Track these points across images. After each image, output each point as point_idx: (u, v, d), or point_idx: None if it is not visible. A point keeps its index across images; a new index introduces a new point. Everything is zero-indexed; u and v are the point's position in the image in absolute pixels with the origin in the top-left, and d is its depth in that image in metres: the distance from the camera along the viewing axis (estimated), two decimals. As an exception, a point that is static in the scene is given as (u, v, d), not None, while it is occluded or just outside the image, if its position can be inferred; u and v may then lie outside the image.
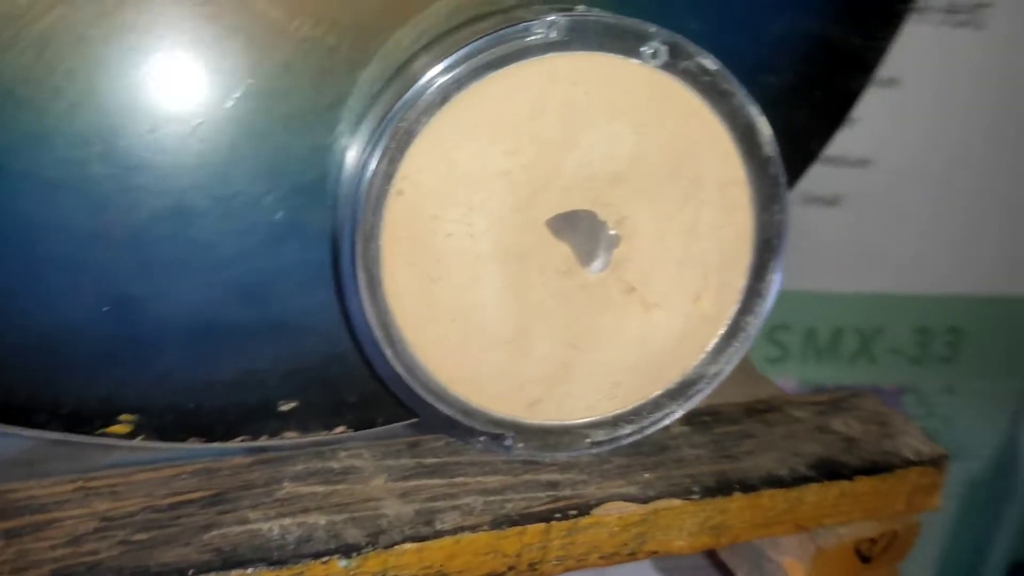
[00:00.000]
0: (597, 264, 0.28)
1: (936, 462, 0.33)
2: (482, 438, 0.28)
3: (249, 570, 0.23)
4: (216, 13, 0.25)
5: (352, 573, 0.24)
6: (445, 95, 0.25)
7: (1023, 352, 0.62)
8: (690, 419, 0.32)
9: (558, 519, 0.27)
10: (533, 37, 0.25)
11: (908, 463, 0.32)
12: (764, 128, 0.27)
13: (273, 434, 0.30)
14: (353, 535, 0.25)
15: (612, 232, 0.28)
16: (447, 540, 0.26)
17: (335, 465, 0.28)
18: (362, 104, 0.27)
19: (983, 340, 0.60)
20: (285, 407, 0.30)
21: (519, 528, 0.26)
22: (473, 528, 0.26)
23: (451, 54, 0.25)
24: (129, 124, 0.26)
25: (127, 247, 0.27)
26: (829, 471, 0.31)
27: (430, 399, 0.28)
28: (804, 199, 0.56)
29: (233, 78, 0.26)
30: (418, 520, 0.26)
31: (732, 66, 0.32)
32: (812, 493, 0.31)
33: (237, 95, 0.26)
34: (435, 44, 0.26)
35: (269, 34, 0.26)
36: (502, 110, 0.26)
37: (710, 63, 0.26)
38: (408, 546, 0.25)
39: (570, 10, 0.27)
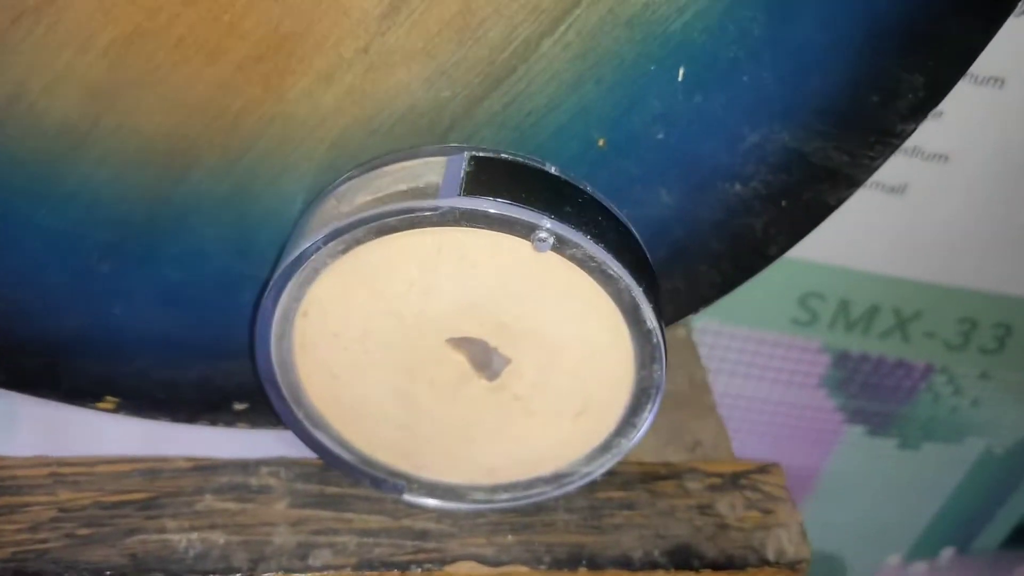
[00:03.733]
0: (488, 375, 0.32)
1: (794, 566, 0.36)
2: (379, 482, 0.34)
3: (150, 579, 0.31)
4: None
5: (230, 595, 0.32)
6: (346, 248, 0.28)
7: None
8: (583, 478, 0.37)
9: (414, 570, 0.33)
10: (425, 214, 0.27)
11: (763, 562, 0.36)
12: (647, 307, 0.29)
13: (229, 424, 0.37)
14: (239, 559, 0.32)
15: (503, 355, 0.31)
16: None
17: (253, 482, 0.34)
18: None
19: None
20: (239, 407, 0.36)
21: (378, 573, 0.33)
22: (338, 568, 0.32)
23: (352, 217, 0.28)
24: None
25: (113, 280, 0.33)
26: (681, 560, 0.35)
27: (335, 449, 0.34)
28: (868, 184, 0.54)
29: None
30: (295, 553, 0.32)
31: (693, 170, 0.33)
32: (659, 576, 0.35)
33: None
34: (349, 185, 0.29)
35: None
36: (395, 265, 0.29)
37: (596, 252, 0.28)
38: (280, 576, 0.32)
39: (480, 165, 0.29)
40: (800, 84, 0.32)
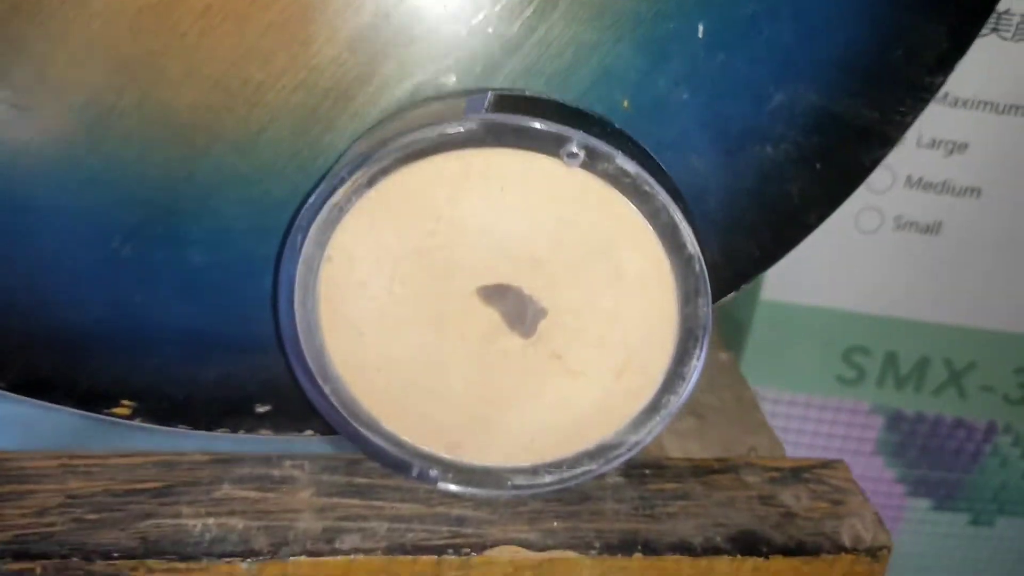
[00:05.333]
0: (523, 331, 0.30)
1: (874, 552, 0.33)
2: (412, 470, 0.32)
3: (163, 561, 0.28)
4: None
5: (252, 576, 0.29)
6: (372, 179, 0.28)
7: None
8: (629, 471, 0.34)
9: (450, 554, 0.30)
10: (450, 132, 0.27)
11: (840, 549, 0.32)
12: (686, 228, 0.28)
13: (250, 430, 0.35)
14: (260, 542, 0.29)
15: (539, 305, 0.30)
16: (342, 559, 0.29)
17: (276, 473, 0.32)
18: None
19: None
20: (261, 409, 0.34)
21: (411, 557, 0.30)
22: (368, 552, 0.30)
23: (378, 146, 0.27)
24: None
25: (136, 265, 0.32)
26: (746, 547, 0.32)
27: (363, 430, 0.31)
28: (899, 224, 0.53)
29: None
30: (322, 537, 0.30)
31: (722, 133, 0.33)
32: (724, 564, 0.32)
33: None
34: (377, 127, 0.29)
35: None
36: (422, 196, 0.28)
37: (629, 166, 0.27)
38: (304, 559, 0.29)
39: (507, 98, 0.29)
40: (822, 40, 0.32)
